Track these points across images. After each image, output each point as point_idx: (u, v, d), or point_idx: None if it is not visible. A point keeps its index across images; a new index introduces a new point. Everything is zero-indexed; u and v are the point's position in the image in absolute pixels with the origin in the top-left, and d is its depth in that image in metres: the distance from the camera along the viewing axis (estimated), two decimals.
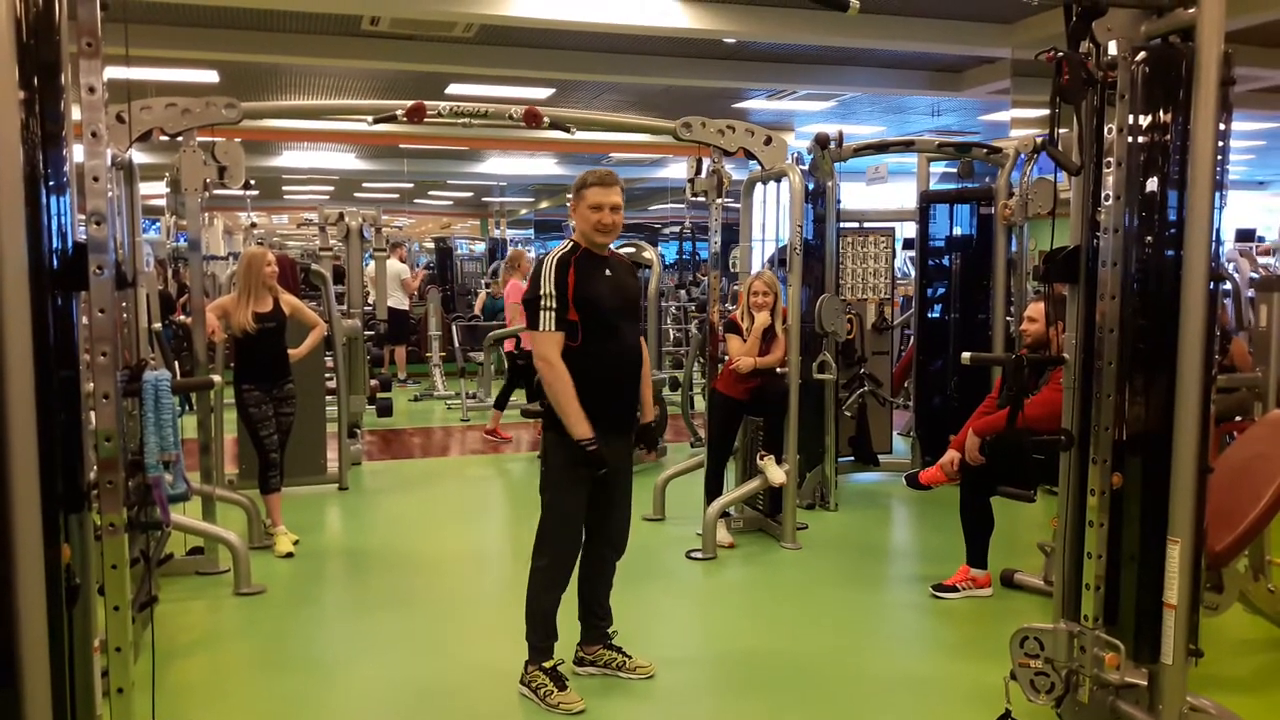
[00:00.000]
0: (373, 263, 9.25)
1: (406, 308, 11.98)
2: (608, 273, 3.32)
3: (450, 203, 26.65)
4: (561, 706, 3.26)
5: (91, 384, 2.17)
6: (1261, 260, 9.82)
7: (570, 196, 3.44)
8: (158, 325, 5.08)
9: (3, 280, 1.84)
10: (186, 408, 7.25)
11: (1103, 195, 2.82)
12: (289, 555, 4.97)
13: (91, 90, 2.10)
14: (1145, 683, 2.89)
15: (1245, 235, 10.20)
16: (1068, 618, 3.00)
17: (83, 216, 2.11)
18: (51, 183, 1.99)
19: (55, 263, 2.01)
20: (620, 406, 3.32)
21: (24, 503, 1.88)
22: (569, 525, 3.33)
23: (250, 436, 5.09)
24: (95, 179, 2.11)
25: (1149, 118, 2.74)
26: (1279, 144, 15.69)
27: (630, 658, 3.55)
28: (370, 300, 9.08)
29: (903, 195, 8.29)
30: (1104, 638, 2.88)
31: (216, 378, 4.30)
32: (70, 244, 2.07)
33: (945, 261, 6.69)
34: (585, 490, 3.29)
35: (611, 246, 3.44)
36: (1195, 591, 2.70)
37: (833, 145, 5.96)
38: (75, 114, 2.09)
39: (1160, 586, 2.70)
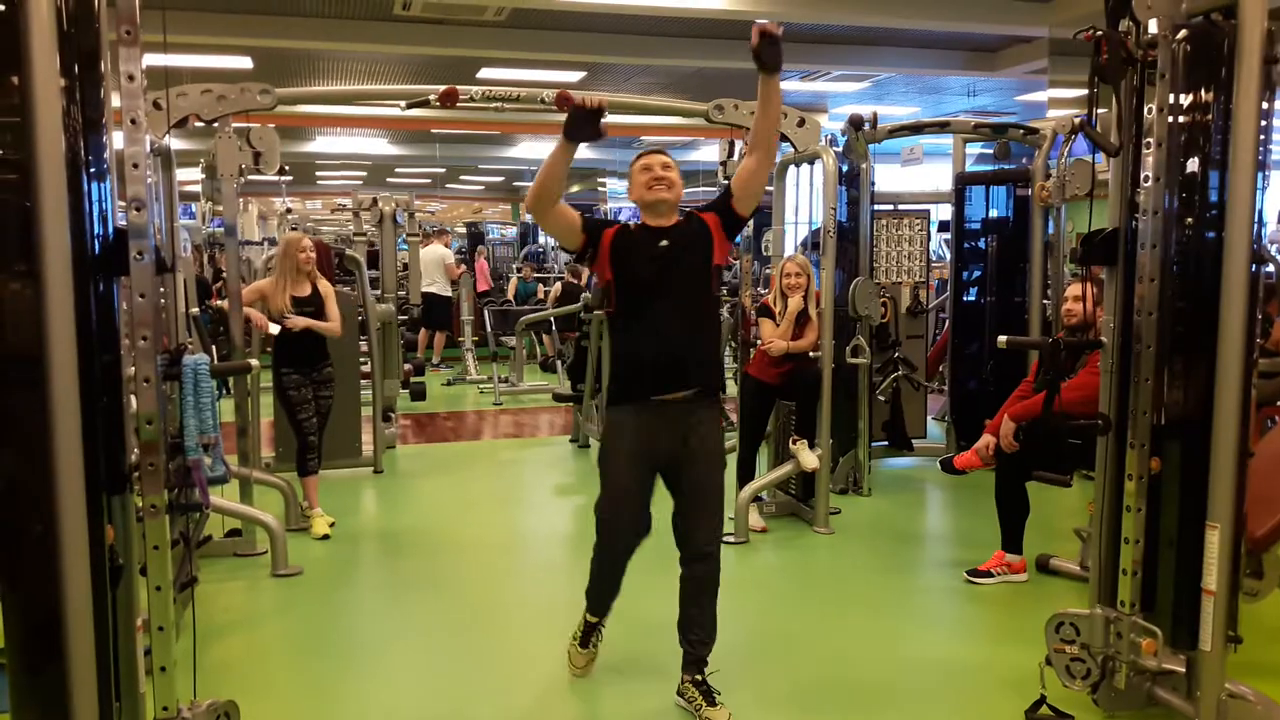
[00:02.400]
0: (407, 248, 9.26)
1: (450, 294, 11.62)
2: (663, 243, 3.05)
3: (481, 187, 26.73)
4: (574, 666, 3.42)
5: (133, 368, 2.21)
6: None
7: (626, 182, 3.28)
8: (195, 310, 5.14)
9: (46, 266, 1.88)
10: (224, 391, 7.35)
11: (1142, 176, 2.78)
12: (325, 537, 5.04)
13: (131, 78, 2.12)
14: (1183, 669, 2.87)
15: None
16: (1104, 603, 2.98)
17: (123, 202, 2.14)
18: (92, 169, 2.03)
19: (97, 248, 2.05)
20: (651, 384, 3.03)
21: (68, 485, 1.92)
22: (617, 505, 3.15)
23: (289, 420, 5.15)
24: (135, 165, 2.14)
25: (1190, 97, 2.70)
26: None
27: (712, 705, 3.06)
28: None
29: (938, 177, 8.19)
30: (1141, 623, 2.86)
31: (254, 361, 4.34)
32: (111, 230, 2.11)
33: (981, 244, 6.62)
34: (637, 471, 3.10)
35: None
36: (1234, 577, 2.67)
37: (867, 127, 5.89)
38: (115, 101, 2.12)
39: (1199, 572, 2.68)
